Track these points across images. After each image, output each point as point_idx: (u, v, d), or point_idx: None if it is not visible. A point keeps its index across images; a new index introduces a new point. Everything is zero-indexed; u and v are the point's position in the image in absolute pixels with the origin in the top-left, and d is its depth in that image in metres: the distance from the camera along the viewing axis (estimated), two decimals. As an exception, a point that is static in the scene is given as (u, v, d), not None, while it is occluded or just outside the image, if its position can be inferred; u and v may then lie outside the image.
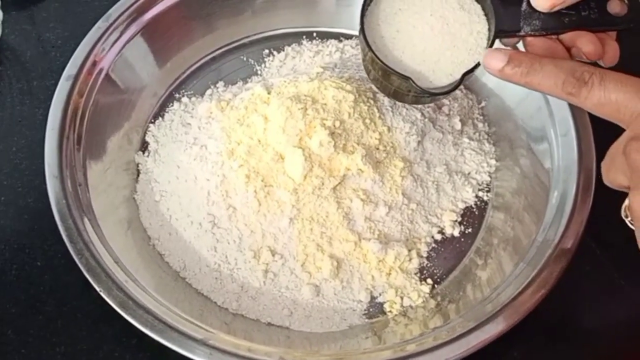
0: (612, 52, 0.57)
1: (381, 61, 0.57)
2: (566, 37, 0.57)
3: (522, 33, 0.57)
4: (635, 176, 0.47)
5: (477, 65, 0.56)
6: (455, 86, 0.57)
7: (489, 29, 0.58)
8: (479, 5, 0.59)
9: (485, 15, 0.59)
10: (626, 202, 0.49)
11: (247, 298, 0.65)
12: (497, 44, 0.57)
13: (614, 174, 0.49)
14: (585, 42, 0.56)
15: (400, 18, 0.59)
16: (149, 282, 0.62)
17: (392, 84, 0.59)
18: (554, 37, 0.57)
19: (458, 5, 0.59)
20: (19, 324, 0.65)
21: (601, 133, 0.67)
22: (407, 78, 0.56)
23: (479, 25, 0.59)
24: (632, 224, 0.48)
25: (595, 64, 0.53)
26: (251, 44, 0.83)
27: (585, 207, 0.63)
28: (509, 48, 0.55)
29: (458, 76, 0.57)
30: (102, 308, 0.59)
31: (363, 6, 0.58)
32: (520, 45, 0.58)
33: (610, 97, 0.49)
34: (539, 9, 0.56)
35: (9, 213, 0.71)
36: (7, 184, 0.72)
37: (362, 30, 0.58)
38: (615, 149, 0.49)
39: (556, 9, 0.56)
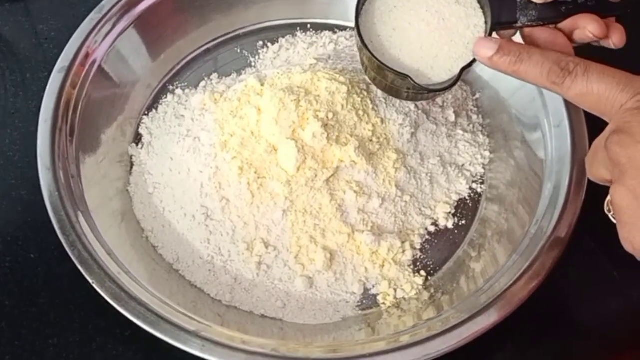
0: (619, 32, 0.56)
1: (378, 60, 0.57)
2: (566, 23, 0.56)
3: (519, 24, 0.57)
4: (616, 170, 0.47)
5: (475, 59, 0.56)
6: (455, 82, 0.57)
7: (486, 22, 0.58)
8: None
9: (482, 8, 0.59)
10: (609, 197, 0.49)
11: (241, 290, 0.65)
12: (495, 36, 0.57)
13: (597, 168, 0.50)
14: (588, 21, 0.55)
15: (395, 16, 0.58)
16: (142, 274, 0.62)
17: (391, 82, 0.59)
18: (551, 26, 0.57)
19: (453, 0, 0.58)
20: (12, 316, 0.65)
21: (594, 124, 0.67)
22: (405, 76, 0.56)
23: (475, 18, 0.58)
24: (614, 218, 0.48)
25: (603, 50, 0.53)
26: (245, 35, 0.82)
27: (578, 198, 0.63)
28: (498, 38, 0.55)
29: (457, 71, 0.57)
30: (95, 300, 0.59)
31: (357, 5, 0.58)
32: (518, 37, 0.58)
33: (593, 88, 0.50)
34: (535, 0, 0.56)
35: (2, 205, 0.71)
36: (0, 176, 0.72)
37: (357, 29, 0.58)
38: (598, 143, 0.50)
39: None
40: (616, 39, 0.56)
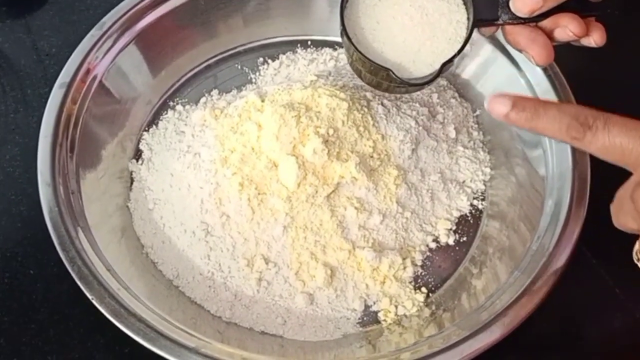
0: (599, 31, 0.58)
1: (360, 52, 0.57)
2: (547, 22, 0.57)
3: (500, 22, 0.58)
4: None
5: (457, 54, 0.57)
6: (435, 76, 0.57)
7: (468, 19, 0.59)
8: None
9: (464, 4, 0.60)
10: (637, 245, 0.49)
11: (241, 306, 0.65)
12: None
13: (624, 220, 0.49)
14: (568, 20, 0.56)
15: (379, 9, 0.59)
16: (142, 291, 0.62)
17: (373, 74, 0.59)
18: (532, 24, 0.57)
19: None
20: (11, 333, 0.64)
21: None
22: (386, 69, 0.56)
23: (458, 14, 0.59)
24: None
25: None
26: (246, 52, 0.82)
27: (579, 215, 0.63)
28: (511, 93, 0.54)
29: (438, 66, 0.57)
30: (94, 316, 0.58)
31: None
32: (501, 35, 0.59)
33: (615, 141, 0.49)
34: (518, 14, 0.57)
35: (1, 221, 0.70)
36: (0, 192, 0.72)
37: (342, 21, 0.58)
38: (623, 193, 0.49)
39: (535, 14, 0.56)
40: (597, 38, 0.57)
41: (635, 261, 0.50)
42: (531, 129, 0.52)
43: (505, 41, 0.61)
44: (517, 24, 0.58)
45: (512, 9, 0.57)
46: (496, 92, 0.54)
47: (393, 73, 0.56)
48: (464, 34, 0.59)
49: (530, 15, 0.56)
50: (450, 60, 0.57)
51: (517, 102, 0.52)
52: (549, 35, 0.57)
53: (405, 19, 0.59)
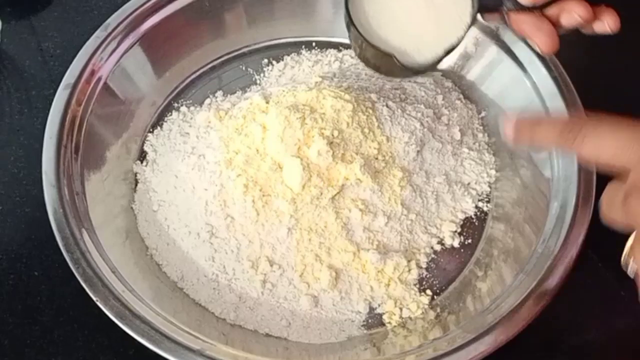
0: (612, 15, 0.57)
1: (363, 37, 0.58)
2: (553, 9, 0.57)
3: (504, 9, 0.58)
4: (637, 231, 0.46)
5: (460, 41, 0.57)
6: (437, 62, 0.58)
7: (473, 6, 0.59)
8: None
9: None
10: (626, 249, 0.48)
11: (245, 308, 0.65)
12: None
13: (615, 215, 0.48)
14: (574, 4, 0.56)
15: None
16: (147, 293, 0.62)
17: (375, 59, 0.59)
18: (537, 12, 0.57)
19: None
20: (15, 334, 0.64)
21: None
22: (390, 55, 0.57)
23: (462, 1, 0.59)
24: (633, 274, 0.48)
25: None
26: (250, 53, 0.82)
27: (585, 217, 0.63)
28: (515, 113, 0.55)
29: (441, 52, 0.57)
30: (99, 318, 0.58)
31: None
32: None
33: (606, 143, 0.48)
34: (522, 2, 0.57)
35: (6, 223, 0.70)
36: (4, 194, 0.72)
37: (346, 6, 0.58)
38: (614, 191, 0.48)
39: (539, 4, 0.56)
40: (610, 22, 0.57)
41: (623, 266, 0.49)
42: (533, 143, 0.53)
43: (510, 30, 0.61)
44: (522, 11, 0.57)
45: None
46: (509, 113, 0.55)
47: (396, 59, 0.56)
48: (468, 20, 0.58)
49: (534, 5, 0.56)
50: (454, 47, 0.57)
51: (516, 124, 0.53)
52: (556, 22, 0.57)
53: (410, 4, 0.58)
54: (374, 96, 0.71)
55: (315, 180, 0.65)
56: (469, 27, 0.58)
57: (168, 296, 0.65)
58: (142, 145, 0.75)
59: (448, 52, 0.57)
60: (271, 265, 0.65)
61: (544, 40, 0.58)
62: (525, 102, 0.72)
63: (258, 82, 0.80)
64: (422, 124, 0.72)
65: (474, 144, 0.75)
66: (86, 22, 0.83)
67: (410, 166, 0.70)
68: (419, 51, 0.58)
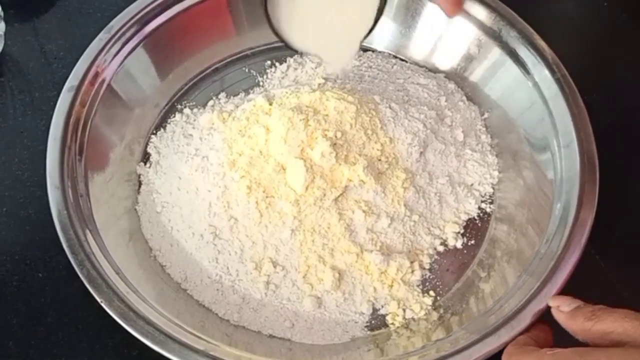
0: None
1: (282, 39, 0.59)
2: None
3: None
4: None
5: (374, 26, 0.61)
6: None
7: None
8: None
9: None
10: None
11: (249, 310, 0.65)
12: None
13: None
14: None
15: None
16: (150, 294, 0.62)
17: None
18: None
19: None
20: (19, 336, 0.64)
21: (604, 144, 0.67)
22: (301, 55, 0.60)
23: None
24: None
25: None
26: (253, 55, 0.82)
27: (587, 218, 0.63)
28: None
29: (357, 44, 0.59)
30: (103, 320, 0.58)
31: None
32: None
33: (617, 326, 0.52)
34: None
35: (10, 224, 0.70)
36: (8, 195, 0.72)
37: (265, 10, 0.60)
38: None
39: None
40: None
41: None
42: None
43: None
44: None
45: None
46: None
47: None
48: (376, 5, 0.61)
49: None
50: (368, 33, 0.62)
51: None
52: None
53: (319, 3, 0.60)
54: (377, 98, 0.71)
55: (319, 181, 0.66)
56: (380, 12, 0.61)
57: (172, 297, 0.65)
58: (146, 146, 0.75)
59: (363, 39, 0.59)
60: (274, 267, 0.66)
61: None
62: (528, 103, 0.72)
63: (261, 83, 0.80)
64: (425, 125, 0.72)
65: (477, 145, 0.75)
66: (89, 25, 0.83)
67: (413, 167, 0.70)
68: (338, 45, 0.60)
